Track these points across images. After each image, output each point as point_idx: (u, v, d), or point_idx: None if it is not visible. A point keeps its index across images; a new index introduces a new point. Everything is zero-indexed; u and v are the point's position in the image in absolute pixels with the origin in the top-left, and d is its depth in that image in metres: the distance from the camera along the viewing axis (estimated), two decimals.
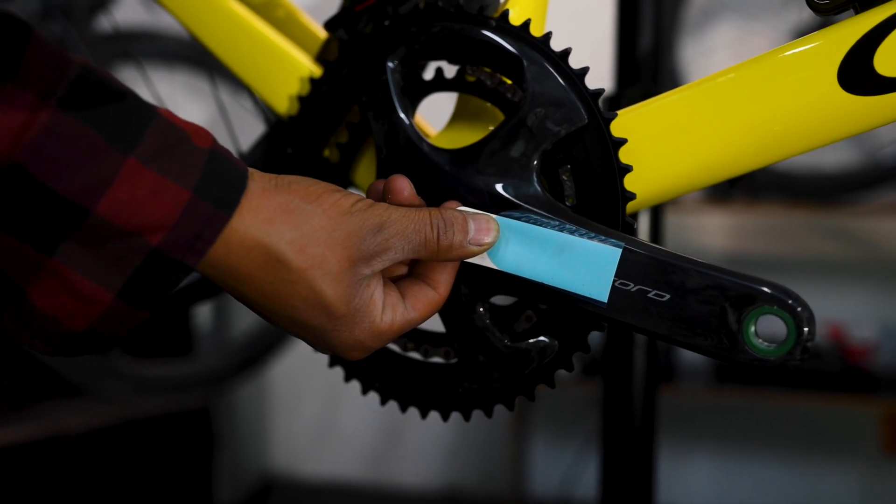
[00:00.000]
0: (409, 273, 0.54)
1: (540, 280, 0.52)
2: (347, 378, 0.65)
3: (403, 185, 0.53)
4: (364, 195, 0.51)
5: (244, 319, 2.13)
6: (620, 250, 0.51)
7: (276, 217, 0.46)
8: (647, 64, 0.96)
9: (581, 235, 0.52)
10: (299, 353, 2.29)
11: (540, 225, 0.53)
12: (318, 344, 0.50)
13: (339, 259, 0.47)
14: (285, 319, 0.48)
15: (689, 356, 2.24)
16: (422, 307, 0.52)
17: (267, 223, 0.45)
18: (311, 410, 2.65)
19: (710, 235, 2.40)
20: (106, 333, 0.44)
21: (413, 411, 0.63)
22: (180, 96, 2.01)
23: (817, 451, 2.33)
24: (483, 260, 0.53)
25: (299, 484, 2.63)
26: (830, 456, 2.33)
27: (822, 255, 2.35)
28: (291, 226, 0.46)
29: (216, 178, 0.44)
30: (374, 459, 2.64)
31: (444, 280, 0.53)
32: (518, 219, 0.54)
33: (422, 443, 2.58)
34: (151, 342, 1.92)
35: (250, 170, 0.47)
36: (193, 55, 1.90)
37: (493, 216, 0.53)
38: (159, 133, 0.43)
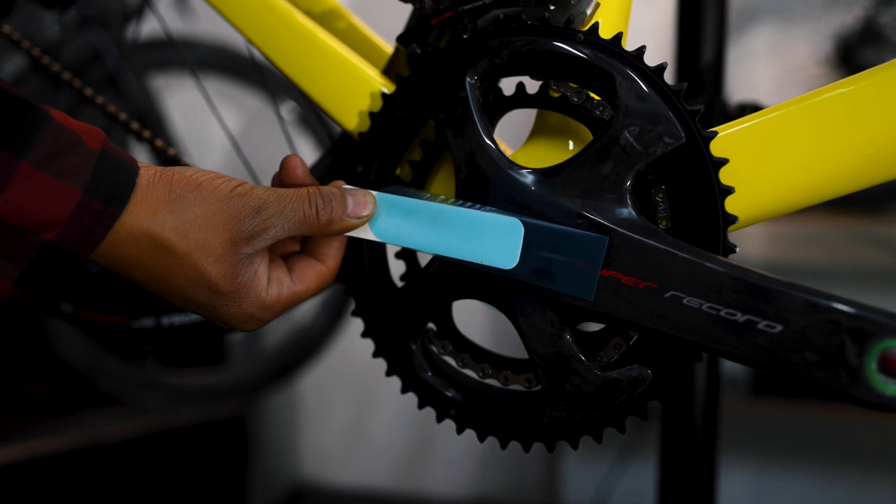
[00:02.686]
0: (301, 249, 0.59)
1: (421, 248, 0.56)
2: (421, 405, 0.63)
3: (296, 163, 0.58)
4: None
5: (276, 329, 2.12)
6: (500, 215, 0.54)
7: (159, 207, 0.49)
8: (711, 74, 0.93)
9: (456, 204, 0.56)
10: (330, 362, 2.27)
11: (415, 197, 0.57)
12: (212, 318, 0.53)
13: (220, 241, 0.50)
14: (177, 298, 0.52)
15: (726, 367, 2.20)
16: (309, 280, 0.56)
17: (151, 214, 0.49)
18: (342, 419, 2.63)
19: (749, 243, 2.36)
20: (6, 315, 0.50)
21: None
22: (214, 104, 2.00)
23: (858, 465, 2.29)
24: (365, 233, 0.57)
25: (329, 492, 2.61)
26: (872, 470, 2.28)
27: (866, 264, 2.30)
28: (174, 214, 0.50)
29: (106, 177, 0.48)
30: (405, 468, 2.62)
31: (331, 253, 0.58)
32: (394, 192, 0.57)
33: (453, 452, 2.55)
34: (185, 352, 1.91)
35: (140, 163, 0.50)
36: (227, 63, 1.89)
37: (371, 191, 0.57)
38: (51, 137, 0.47)
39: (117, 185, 0.48)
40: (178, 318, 0.81)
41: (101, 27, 1.68)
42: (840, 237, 2.31)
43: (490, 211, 0.55)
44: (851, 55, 2.15)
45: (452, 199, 0.57)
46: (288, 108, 1.79)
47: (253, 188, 0.52)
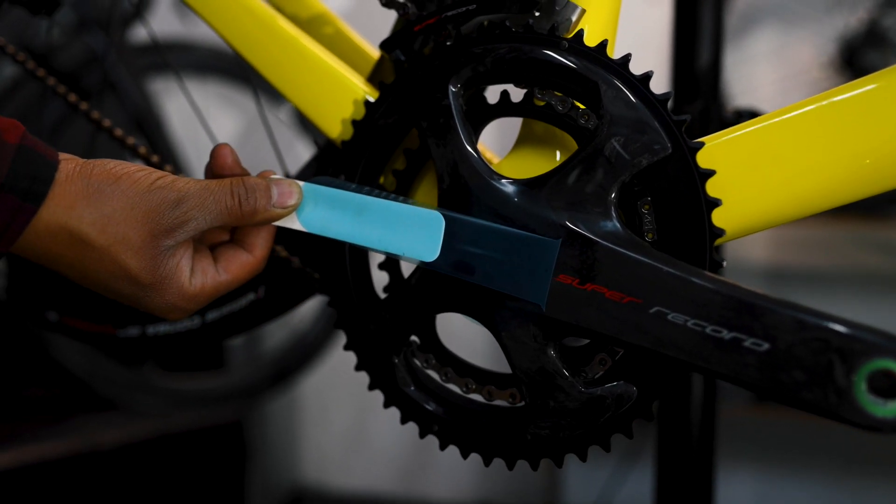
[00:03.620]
0: (230, 240, 0.58)
1: (346, 239, 0.56)
2: (404, 420, 0.61)
3: (226, 153, 0.58)
4: None
5: (275, 333, 2.10)
6: (423, 208, 0.55)
7: (77, 202, 0.49)
8: (707, 79, 0.91)
9: (382, 197, 0.56)
10: (330, 366, 2.26)
11: (344, 188, 0.57)
12: (139, 307, 0.54)
13: (139, 234, 0.51)
14: (103, 290, 0.53)
15: None
16: (235, 270, 0.56)
17: (69, 208, 0.49)
18: (342, 423, 2.62)
19: (748, 248, 2.34)
20: None
21: None
22: (213, 107, 1.99)
23: (861, 470, 2.26)
24: (292, 223, 0.57)
25: (329, 496, 2.60)
26: (877, 476, 2.26)
27: (868, 269, 2.28)
28: (91, 208, 0.50)
29: (23, 172, 0.48)
30: (406, 472, 2.60)
31: (259, 243, 0.57)
32: (323, 183, 0.58)
33: (454, 456, 2.53)
34: (184, 357, 1.90)
35: (61, 156, 0.50)
36: (226, 66, 1.88)
37: (297, 181, 0.57)
38: None
39: (35, 180, 0.49)
40: (163, 328, 0.80)
41: (99, 30, 1.67)
42: (842, 241, 2.29)
43: (415, 204, 0.56)
44: (855, 58, 2.13)
45: (379, 192, 0.58)
46: (286, 112, 1.78)
47: (175, 180, 0.52)
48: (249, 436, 2.16)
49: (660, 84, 0.54)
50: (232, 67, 1.86)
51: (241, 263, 0.57)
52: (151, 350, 0.82)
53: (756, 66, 2.23)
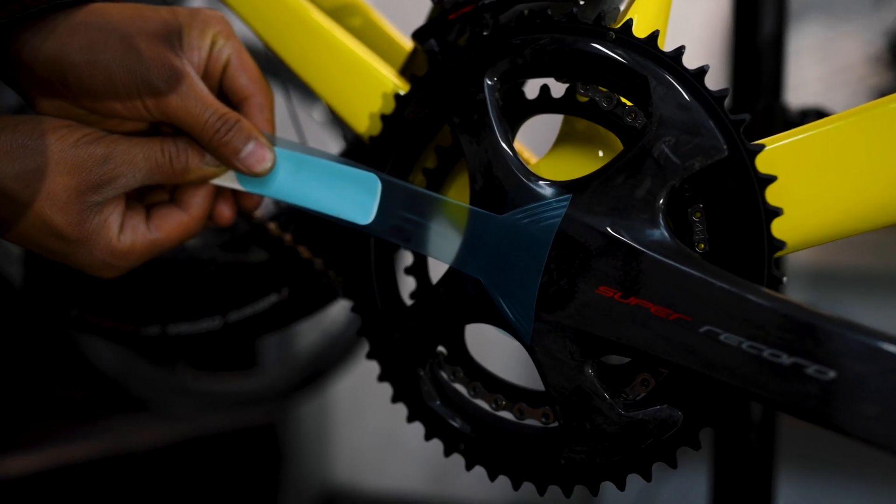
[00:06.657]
0: (170, 199, 0.57)
1: (283, 198, 0.55)
2: (428, 436, 0.58)
3: None
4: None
5: (308, 334, 2.08)
6: (358, 168, 0.54)
7: (0, 157, 0.49)
8: (769, 74, 0.85)
9: (326, 157, 0.55)
10: (363, 367, 2.24)
11: (282, 147, 0.56)
12: (69, 264, 0.53)
13: (64, 190, 0.50)
14: (31, 245, 0.52)
15: None
16: (168, 228, 0.55)
17: None
18: (375, 424, 2.60)
19: None
20: None
21: None
22: None
23: None
24: (231, 182, 0.56)
25: (362, 497, 2.58)
26: None
27: None
28: (15, 163, 0.49)
29: None
30: (439, 473, 2.57)
31: (194, 202, 0.56)
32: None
33: None
34: (216, 357, 1.88)
35: None
36: (258, 65, 1.85)
37: None
38: None
39: None
40: (185, 328, 0.78)
41: None
42: (891, 242, 2.19)
43: (352, 165, 0.55)
44: None
45: (319, 151, 0.56)
46: (320, 112, 1.75)
47: (103, 137, 0.51)
48: (282, 438, 2.14)
49: (712, 81, 0.49)
50: (263, 65, 1.83)
51: (175, 222, 0.55)
52: (173, 349, 0.80)
53: (801, 62, 2.15)
